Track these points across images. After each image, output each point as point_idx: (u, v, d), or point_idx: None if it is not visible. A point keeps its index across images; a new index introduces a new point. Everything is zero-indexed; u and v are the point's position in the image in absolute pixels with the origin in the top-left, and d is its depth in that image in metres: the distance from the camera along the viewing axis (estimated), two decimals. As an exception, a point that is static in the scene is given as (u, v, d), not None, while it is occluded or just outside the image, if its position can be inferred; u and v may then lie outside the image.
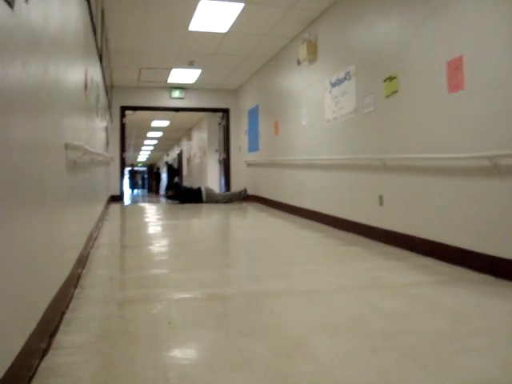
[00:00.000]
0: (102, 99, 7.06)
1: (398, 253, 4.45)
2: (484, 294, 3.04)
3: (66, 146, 2.81)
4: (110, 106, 9.99)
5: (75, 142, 2.99)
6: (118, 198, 11.45)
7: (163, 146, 27.93)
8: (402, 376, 1.79)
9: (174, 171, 24.64)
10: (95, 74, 5.47)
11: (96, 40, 5.49)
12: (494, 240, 3.49)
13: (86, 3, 4.27)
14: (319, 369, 1.87)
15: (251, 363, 1.91)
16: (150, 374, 1.81)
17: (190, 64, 9.64)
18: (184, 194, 11.25)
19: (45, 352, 1.99)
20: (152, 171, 33.21)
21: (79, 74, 3.77)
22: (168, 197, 11.89)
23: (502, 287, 3.19)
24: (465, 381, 1.74)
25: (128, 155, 19.02)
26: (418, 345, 2.13)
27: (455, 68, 3.85)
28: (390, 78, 4.83)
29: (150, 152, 32.52)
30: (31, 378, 1.74)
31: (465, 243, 3.78)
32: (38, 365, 1.86)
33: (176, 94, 11.83)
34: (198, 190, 11.11)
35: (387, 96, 4.91)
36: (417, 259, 4.13)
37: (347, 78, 5.88)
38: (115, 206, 10.31)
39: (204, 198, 10.90)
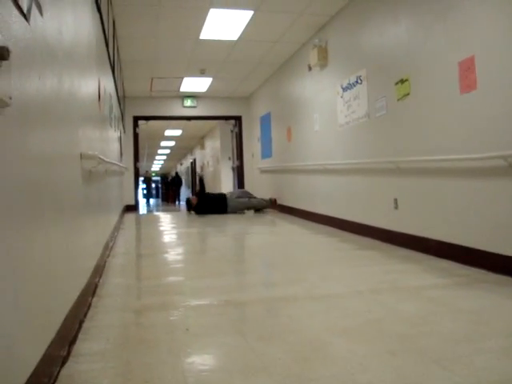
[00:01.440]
0: (115, 109, 7.13)
1: (413, 256, 4.43)
2: (502, 295, 3.01)
3: (82, 156, 2.84)
4: (122, 116, 10.07)
5: (90, 152, 3.03)
6: (132, 208, 11.52)
7: (176, 155, 28.05)
8: (421, 378, 1.78)
9: (179, 181, 24.85)
10: (108, 84, 5.53)
11: (108, 51, 5.55)
12: (510, 240, 3.46)
13: (97, 14, 4.32)
14: (338, 372, 1.86)
15: (270, 368, 1.91)
16: (169, 380, 1.82)
17: (202, 72, 9.69)
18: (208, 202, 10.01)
19: (65, 360, 2.01)
20: (165, 181, 33.45)
21: (93, 85, 3.82)
22: (190, 208, 10.42)
23: (521, 288, 3.16)
24: (485, 382, 1.73)
25: (142, 165, 19.16)
26: (436, 347, 2.11)
27: (467, 68, 3.84)
28: (402, 81, 4.82)
29: (163, 161, 32.70)
30: (52, 385, 1.76)
31: (482, 244, 3.75)
32: (59, 372, 1.88)
33: (188, 102, 11.90)
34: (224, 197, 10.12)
35: (399, 99, 4.90)
36: (433, 262, 4.11)
37: (358, 82, 5.88)
38: (130, 216, 10.37)
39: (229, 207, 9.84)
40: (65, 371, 1.91)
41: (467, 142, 3.87)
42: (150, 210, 14.78)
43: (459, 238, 4.02)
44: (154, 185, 37.69)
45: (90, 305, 2.94)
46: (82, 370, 1.93)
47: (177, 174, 25.77)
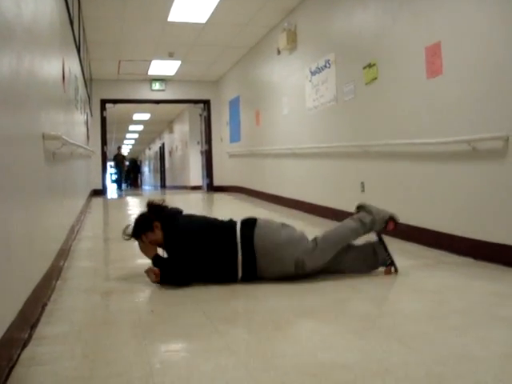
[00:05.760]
0: (82, 92, 6.99)
1: (380, 238, 4.47)
2: (464, 276, 3.08)
3: (44, 137, 2.77)
4: (89, 99, 9.89)
5: (53, 132, 2.96)
6: (100, 192, 11.37)
7: (145, 139, 27.71)
8: (383, 355, 1.80)
9: (136, 167, 25.06)
10: (73, 65, 5.40)
11: (73, 31, 5.41)
12: (474, 223, 3.53)
13: (61, -7, 4.21)
14: (302, 351, 1.88)
15: (233, 347, 1.92)
16: (132, 361, 1.80)
17: (170, 55, 9.57)
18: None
19: (26, 343, 1.97)
20: (135, 165, 33.26)
21: (56, 65, 3.72)
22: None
23: (482, 269, 3.24)
24: (445, 357, 1.77)
25: (110, 149, 18.81)
26: (399, 325, 2.15)
27: (433, 54, 3.87)
28: (370, 65, 4.84)
29: (132, 146, 32.28)
30: (12, 368, 1.73)
31: (446, 227, 3.82)
32: (19, 355, 1.85)
33: (156, 86, 11.75)
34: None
35: (367, 83, 4.93)
36: (399, 244, 4.16)
37: (327, 66, 5.88)
38: (98, 200, 10.23)
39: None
40: (25, 354, 1.88)
41: (433, 126, 3.92)
42: (119, 195, 14.62)
43: (425, 221, 4.08)
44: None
45: (54, 288, 2.89)
46: (44, 353, 1.90)
47: (131, 160, 26.42)
